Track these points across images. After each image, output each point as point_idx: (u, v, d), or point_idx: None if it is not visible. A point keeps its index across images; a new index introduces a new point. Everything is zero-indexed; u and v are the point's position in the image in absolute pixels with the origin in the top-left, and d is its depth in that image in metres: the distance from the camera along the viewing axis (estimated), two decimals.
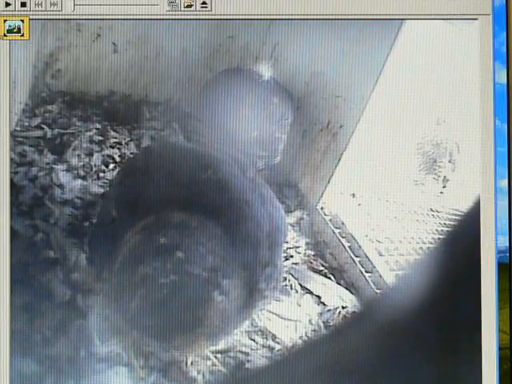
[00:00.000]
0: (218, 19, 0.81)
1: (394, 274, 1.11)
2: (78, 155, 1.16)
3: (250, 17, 0.80)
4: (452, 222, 1.31)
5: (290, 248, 1.19)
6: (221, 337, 0.88)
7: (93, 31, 1.17)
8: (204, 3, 0.80)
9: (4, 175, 0.80)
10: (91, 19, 0.81)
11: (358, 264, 1.14)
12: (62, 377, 0.84)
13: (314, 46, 0.96)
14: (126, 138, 1.25)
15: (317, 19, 0.80)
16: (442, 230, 1.28)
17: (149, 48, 1.21)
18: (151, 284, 0.79)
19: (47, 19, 0.81)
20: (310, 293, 1.10)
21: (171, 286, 0.78)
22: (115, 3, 0.80)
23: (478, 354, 0.73)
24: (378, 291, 1.09)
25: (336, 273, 1.17)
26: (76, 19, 0.81)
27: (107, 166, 1.17)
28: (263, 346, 0.98)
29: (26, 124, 1.18)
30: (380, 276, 1.11)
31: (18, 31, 0.80)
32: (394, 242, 1.21)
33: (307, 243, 1.22)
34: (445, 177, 1.33)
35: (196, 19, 0.81)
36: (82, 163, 1.15)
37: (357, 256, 1.16)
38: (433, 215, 1.34)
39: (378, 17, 0.80)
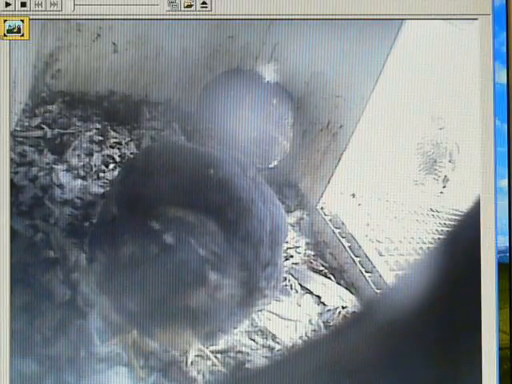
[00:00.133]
0: (217, 19, 0.81)
1: (393, 274, 1.11)
2: (78, 155, 1.16)
3: (250, 17, 0.80)
4: (452, 222, 1.31)
5: (290, 248, 1.19)
6: (219, 335, 0.87)
7: (93, 31, 1.17)
8: (204, 3, 0.80)
9: (4, 175, 0.80)
10: (91, 19, 0.81)
11: (358, 264, 1.14)
12: (62, 377, 0.84)
13: (313, 46, 0.96)
14: (125, 138, 1.25)
15: (317, 19, 0.80)
16: (441, 230, 1.28)
17: (149, 48, 1.21)
18: (149, 280, 0.79)
19: (47, 19, 0.81)
20: (310, 293, 1.10)
21: (169, 284, 0.78)
22: (115, 3, 0.80)
23: (478, 354, 0.73)
24: (377, 291, 1.09)
25: (336, 273, 1.17)
26: (76, 19, 0.81)
27: (107, 166, 1.17)
28: (263, 346, 0.98)
29: (26, 124, 1.18)
30: (380, 276, 1.11)
31: (18, 31, 0.80)
32: (394, 242, 1.21)
33: (307, 243, 1.22)
34: (445, 177, 1.33)
35: (196, 19, 0.81)
36: (82, 163, 1.15)
37: (357, 256, 1.16)
38: (433, 215, 1.35)
39: (378, 17, 0.80)
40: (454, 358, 0.67)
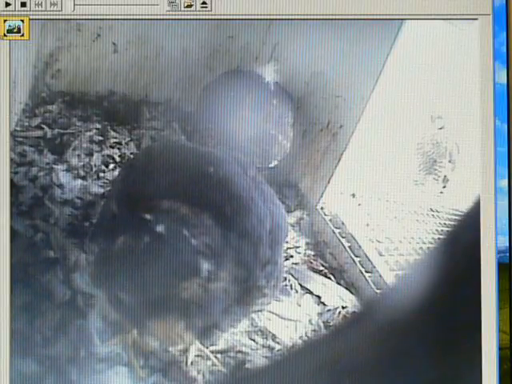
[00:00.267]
0: (218, 19, 0.81)
1: (393, 274, 1.11)
2: (78, 155, 1.16)
3: (250, 17, 0.80)
4: (452, 222, 1.31)
5: (290, 248, 1.19)
6: (216, 333, 0.87)
7: (93, 31, 1.17)
8: (204, 3, 0.80)
9: (4, 175, 0.80)
10: (91, 19, 0.81)
11: (358, 264, 1.14)
12: (61, 377, 0.84)
13: (313, 46, 0.96)
14: (125, 138, 1.25)
15: (317, 19, 0.80)
16: (442, 230, 1.28)
17: (149, 48, 1.21)
18: (145, 273, 0.79)
19: (47, 19, 0.81)
20: (310, 293, 1.10)
21: (162, 276, 0.78)
22: (115, 3, 0.80)
23: (478, 354, 0.73)
24: (377, 291, 1.09)
25: (336, 273, 1.17)
26: (76, 19, 0.81)
27: (107, 166, 1.17)
28: (263, 346, 0.98)
29: (26, 124, 1.18)
30: (380, 276, 1.11)
31: (18, 31, 0.80)
32: (394, 242, 1.21)
33: (307, 243, 1.22)
34: (445, 177, 1.33)
35: (196, 19, 0.81)
36: (82, 163, 1.15)
37: (357, 256, 1.16)
38: (433, 215, 1.35)
39: (378, 17, 0.80)
40: (454, 358, 0.67)
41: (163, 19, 0.81)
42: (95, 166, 1.16)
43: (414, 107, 1.10)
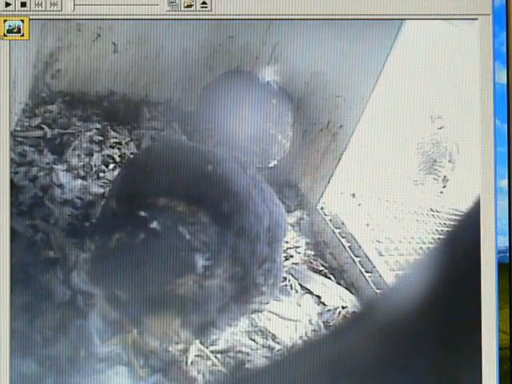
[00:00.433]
0: (218, 19, 0.81)
1: (393, 274, 1.11)
2: (78, 155, 1.16)
3: (250, 17, 0.80)
4: (452, 222, 1.31)
5: (290, 248, 1.19)
6: (212, 330, 0.87)
7: (93, 31, 1.17)
8: (204, 3, 0.80)
9: (4, 175, 0.80)
10: (91, 19, 0.81)
11: (358, 264, 1.14)
12: (61, 377, 0.84)
13: (314, 46, 0.96)
14: (125, 138, 1.25)
15: (317, 19, 0.80)
16: (441, 230, 1.28)
17: (149, 48, 1.21)
18: (141, 268, 0.79)
19: (47, 19, 0.81)
20: (310, 293, 1.10)
21: (158, 271, 0.78)
22: (115, 3, 0.80)
23: (478, 353, 0.73)
24: (377, 291, 1.09)
25: (336, 273, 1.17)
26: (76, 19, 0.81)
27: (107, 166, 1.17)
28: (263, 346, 0.98)
29: (26, 124, 1.18)
30: (380, 276, 1.11)
31: (18, 31, 0.80)
32: (394, 242, 1.21)
33: (307, 243, 1.22)
34: (445, 177, 1.33)
35: (196, 19, 0.81)
36: (82, 163, 1.15)
37: (357, 256, 1.16)
38: (433, 215, 1.35)
39: (378, 17, 0.80)
40: (454, 358, 0.67)
41: (163, 19, 0.81)
42: (95, 165, 1.16)
43: (413, 107, 1.10)
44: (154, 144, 1.26)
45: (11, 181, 0.80)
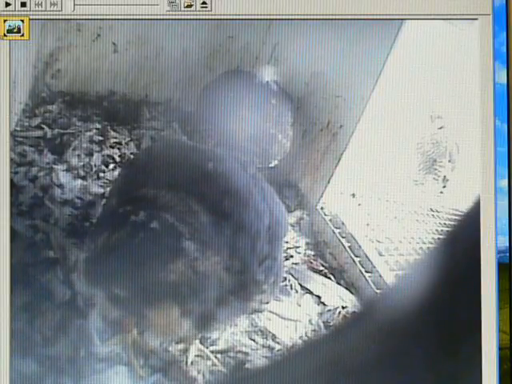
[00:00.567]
0: (218, 19, 0.81)
1: (393, 274, 1.11)
2: (78, 155, 1.16)
3: (250, 17, 0.80)
4: (452, 222, 1.31)
5: (290, 248, 1.19)
6: (213, 324, 0.86)
7: (93, 31, 1.17)
8: (204, 3, 0.80)
9: (4, 175, 0.80)
10: (91, 19, 0.81)
11: (358, 264, 1.14)
12: (61, 377, 0.84)
13: (313, 46, 0.96)
14: (125, 138, 1.25)
15: (317, 19, 0.80)
16: (441, 230, 1.28)
17: (149, 48, 1.21)
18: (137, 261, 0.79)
19: (47, 19, 0.81)
20: (310, 293, 1.10)
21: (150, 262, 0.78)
22: (115, 3, 0.80)
23: (478, 354, 0.73)
24: (377, 291, 1.09)
25: (336, 273, 1.17)
26: (76, 19, 0.81)
27: (107, 166, 1.17)
28: (263, 346, 0.98)
29: (26, 124, 1.18)
30: (380, 276, 1.11)
31: (18, 31, 0.80)
32: (394, 242, 1.21)
33: (307, 243, 1.22)
34: (445, 177, 1.33)
35: (196, 19, 0.81)
36: (82, 163, 1.15)
37: (357, 256, 1.16)
38: (433, 215, 1.35)
39: (378, 17, 0.80)
40: (453, 358, 0.67)
41: (163, 19, 0.81)
42: (95, 166, 1.16)
43: (413, 107, 1.10)
44: (154, 144, 1.26)
45: (11, 181, 0.80)
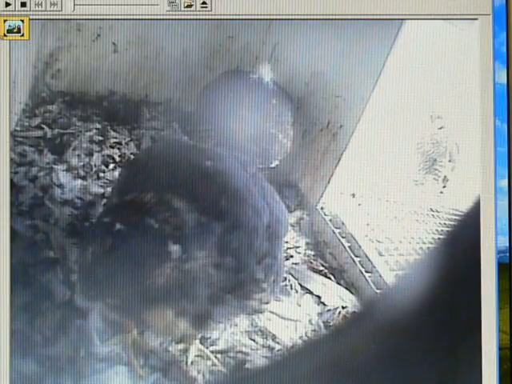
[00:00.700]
0: (218, 19, 0.81)
1: (393, 274, 1.11)
2: (78, 155, 1.16)
3: (250, 17, 0.80)
4: (452, 222, 1.31)
5: (290, 248, 1.19)
6: (210, 324, 0.85)
7: (93, 31, 1.17)
8: (204, 3, 0.80)
9: (4, 175, 0.80)
10: (91, 19, 0.81)
11: (358, 264, 1.14)
12: (61, 377, 0.84)
13: (313, 46, 0.96)
14: (126, 138, 1.25)
15: (317, 19, 0.80)
16: (441, 230, 1.28)
17: (149, 48, 1.21)
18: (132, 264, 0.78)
19: (47, 19, 0.81)
20: (310, 293, 1.10)
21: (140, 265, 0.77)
22: (115, 3, 0.80)
23: (478, 354, 0.73)
24: (377, 291, 1.09)
25: (336, 273, 1.17)
26: (76, 19, 0.81)
27: (107, 166, 1.17)
28: (263, 346, 0.98)
29: (26, 124, 1.18)
30: (380, 276, 1.11)
31: (18, 31, 0.80)
32: (394, 242, 1.21)
33: (307, 243, 1.22)
34: (445, 177, 1.34)
35: (196, 19, 0.81)
36: (82, 163, 1.15)
37: (357, 256, 1.16)
38: (433, 215, 1.35)
39: (378, 17, 0.80)
40: (454, 358, 0.67)
41: (163, 19, 0.81)
42: (95, 166, 1.16)
43: (413, 107, 1.10)
44: (154, 143, 1.26)
45: (11, 181, 0.80)
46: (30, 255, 0.96)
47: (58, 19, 0.81)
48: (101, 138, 1.22)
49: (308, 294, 1.10)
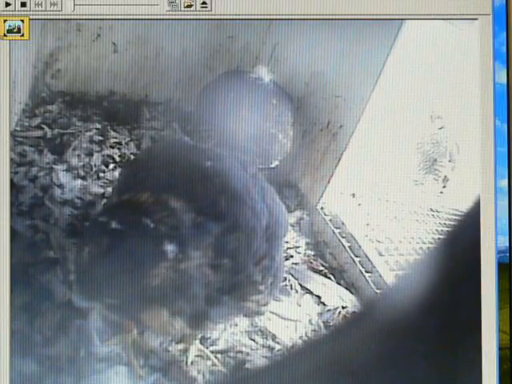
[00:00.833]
0: (218, 19, 0.81)
1: (393, 274, 1.11)
2: (78, 155, 1.16)
3: (250, 17, 0.80)
4: (452, 222, 1.31)
5: (290, 248, 1.19)
6: (207, 324, 0.85)
7: (93, 31, 1.18)
8: (204, 3, 0.80)
9: (4, 175, 0.80)
10: (91, 19, 0.81)
11: (358, 264, 1.14)
12: (61, 377, 0.84)
13: (313, 46, 0.96)
14: (125, 138, 1.25)
15: (317, 19, 0.80)
16: (441, 230, 1.28)
17: (149, 48, 1.21)
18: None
19: (47, 19, 0.81)
20: (310, 293, 1.10)
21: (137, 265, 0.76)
22: (115, 3, 0.80)
23: (478, 354, 0.73)
24: (377, 291, 1.09)
25: (336, 273, 1.17)
26: (76, 19, 0.81)
27: (107, 166, 1.17)
28: (263, 346, 0.98)
29: (26, 124, 1.18)
30: (380, 276, 1.11)
31: (18, 31, 0.80)
32: (394, 242, 1.21)
33: (307, 243, 1.22)
34: (445, 177, 1.34)
35: (196, 19, 0.81)
36: (82, 163, 1.15)
37: (357, 256, 1.16)
38: (433, 215, 1.35)
39: (378, 17, 0.80)
40: (453, 358, 0.67)
41: (163, 19, 0.81)
42: (95, 165, 1.16)
43: (413, 107, 1.10)
44: (154, 143, 1.26)
45: (11, 181, 0.80)
46: (30, 255, 0.96)
47: (58, 19, 0.81)
48: (101, 138, 1.22)
49: (308, 294, 1.10)
